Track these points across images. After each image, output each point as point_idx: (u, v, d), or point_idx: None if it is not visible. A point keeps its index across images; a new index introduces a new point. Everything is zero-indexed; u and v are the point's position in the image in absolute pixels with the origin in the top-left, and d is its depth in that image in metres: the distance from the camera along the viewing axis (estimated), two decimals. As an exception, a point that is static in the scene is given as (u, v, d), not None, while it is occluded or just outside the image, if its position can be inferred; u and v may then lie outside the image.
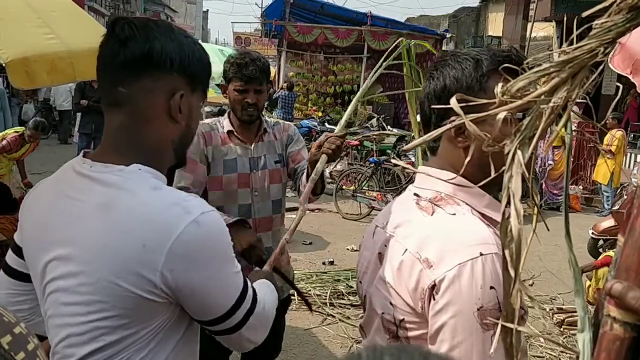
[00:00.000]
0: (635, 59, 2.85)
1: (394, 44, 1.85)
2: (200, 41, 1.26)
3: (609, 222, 5.86)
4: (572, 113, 0.80)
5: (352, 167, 9.09)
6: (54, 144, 11.70)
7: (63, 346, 1.05)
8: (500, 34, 19.07)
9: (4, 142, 5.61)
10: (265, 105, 3.09)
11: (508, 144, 0.82)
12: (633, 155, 10.62)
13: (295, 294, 2.79)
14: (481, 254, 0.96)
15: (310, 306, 2.15)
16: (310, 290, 4.72)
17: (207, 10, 66.82)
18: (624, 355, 0.68)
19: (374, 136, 10.02)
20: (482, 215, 1.06)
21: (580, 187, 9.71)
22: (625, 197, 7.56)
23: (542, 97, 0.79)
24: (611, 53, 0.75)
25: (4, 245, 3.93)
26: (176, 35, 1.09)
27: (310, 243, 6.32)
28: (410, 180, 5.29)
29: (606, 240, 5.88)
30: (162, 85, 1.07)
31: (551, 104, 0.78)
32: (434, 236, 1.02)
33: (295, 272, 2.78)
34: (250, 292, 1.13)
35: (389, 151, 9.62)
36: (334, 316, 4.35)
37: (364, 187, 8.16)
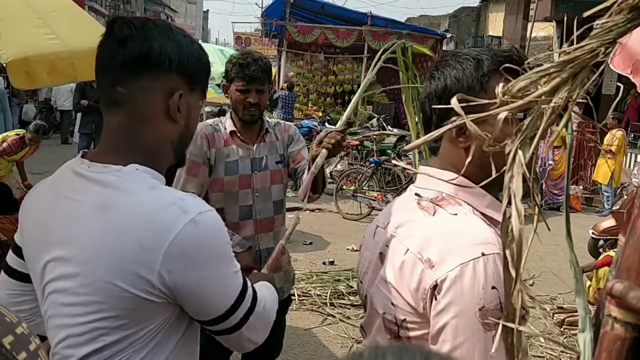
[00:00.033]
0: (636, 59, 2.85)
1: (392, 43, 1.87)
2: (200, 41, 1.26)
3: (609, 222, 5.86)
4: (572, 113, 0.80)
5: (352, 167, 9.09)
6: (55, 144, 11.70)
7: (62, 347, 1.05)
8: (501, 34, 19.08)
9: (5, 144, 5.61)
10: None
11: (509, 144, 0.83)
12: (633, 155, 10.62)
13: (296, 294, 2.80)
14: (483, 254, 0.96)
15: None
16: (310, 290, 4.73)
17: (208, 10, 66.85)
18: (624, 355, 0.68)
19: (374, 136, 10.02)
20: (484, 215, 1.06)
21: (581, 187, 9.71)
22: (625, 197, 7.56)
23: (543, 97, 0.79)
24: (611, 53, 0.75)
25: (5, 246, 3.93)
26: (175, 35, 1.09)
27: (310, 243, 6.32)
28: (411, 181, 5.29)
29: (606, 240, 5.89)
30: (160, 85, 1.07)
31: (552, 104, 0.78)
32: (435, 236, 1.02)
33: (295, 272, 2.78)
34: (250, 291, 1.12)
35: (389, 151, 9.62)
36: (334, 316, 4.35)
37: (364, 187, 8.16)
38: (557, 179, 9.20)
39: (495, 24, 21.75)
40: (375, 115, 12.61)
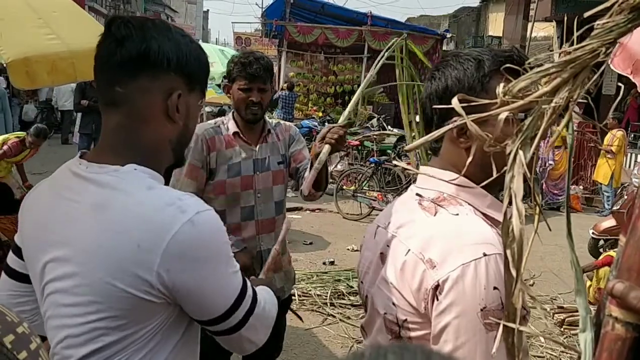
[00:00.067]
0: (636, 59, 2.85)
1: (395, 41, 1.88)
2: (200, 41, 1.26)
3: (609, 222, 5.86)
4: (573, 113, 0.80)
5: (352, 167, 9.09)
6: (56, 144, 11.69)
7: (62, 347, 1.05)
8: (501, 34, 19.06)
9: (5, 147, 5.61)
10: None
11: (510, 144, 0.83)
12: (633, 155, 10.62)
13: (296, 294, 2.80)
14: (484, 255, 0.96)
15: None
16: (310, 290, 4.73)
17: (208, 10, 66.89)
18: (625, 355, 0.68)
19: (375, 136, 10.03)
20: (485, 215, 1.06)
21: (581, 187, 9.71)
22: (625, 197, 7.56)
23: (544, 97, 0.79)
24: (612, 53, 0.75)
25: (5, 246, 3.93)
26: (173, 34, 1.08)
27: (310, 243, 6.32)
28: (411, 181, 5.29)
29: (607, 240, 5.89)
30: (159, 84, 1.06)
31: (553, 104, 0.78)
32: (437, 237, 1.02)
33: (295, 272, 2.78)
34: (250, 292, 1.12)
35: (389, 151, 9.62)
36: (334, 316, 4.35)
37: (364, 187, 8.16)
38: (557, 179, 9.20)
39: (496, 24, 21.76)
40: (376, 115, 12.60)
